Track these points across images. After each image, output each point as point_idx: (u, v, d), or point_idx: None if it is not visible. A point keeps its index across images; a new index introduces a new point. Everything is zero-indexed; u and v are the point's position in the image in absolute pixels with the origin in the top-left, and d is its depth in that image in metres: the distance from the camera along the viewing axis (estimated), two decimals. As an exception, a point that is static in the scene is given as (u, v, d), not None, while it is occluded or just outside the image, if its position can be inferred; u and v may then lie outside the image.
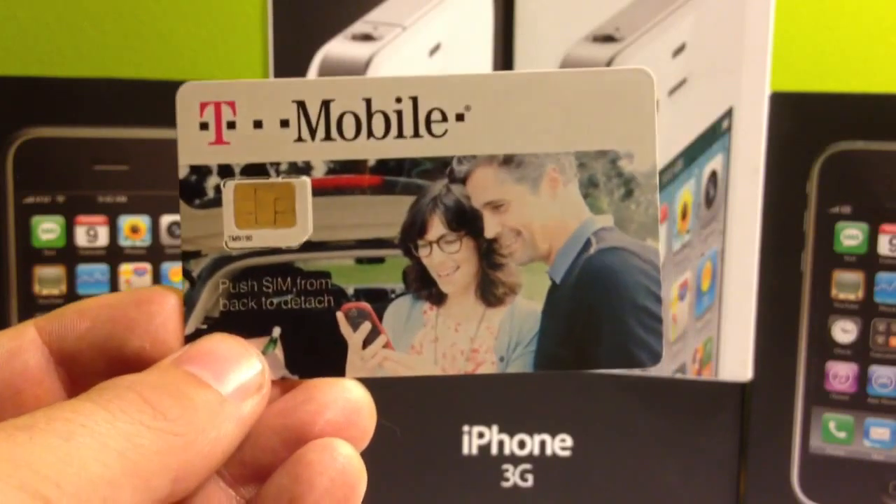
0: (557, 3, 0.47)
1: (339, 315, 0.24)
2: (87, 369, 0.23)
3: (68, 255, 0.47)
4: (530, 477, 0.49)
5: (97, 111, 0.46)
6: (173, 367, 0.22)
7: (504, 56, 0.48)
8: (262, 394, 0.22)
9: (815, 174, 0.47)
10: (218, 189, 0.24)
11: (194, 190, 0.24)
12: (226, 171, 0.24)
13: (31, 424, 0.19)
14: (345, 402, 0.23)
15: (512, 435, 0.49)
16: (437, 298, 0.24)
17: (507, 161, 0.24)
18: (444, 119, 0.23)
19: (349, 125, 0.24)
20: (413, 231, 0.24)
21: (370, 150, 0.24)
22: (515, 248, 0.24)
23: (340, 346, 0.24)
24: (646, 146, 0.24)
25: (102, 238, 0.47)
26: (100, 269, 0.47)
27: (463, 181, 0.24)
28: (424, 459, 0.49)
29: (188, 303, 0.24)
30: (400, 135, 0.24)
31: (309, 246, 0.24)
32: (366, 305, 0.24)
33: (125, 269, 0.47)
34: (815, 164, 0.47)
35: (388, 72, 0.46)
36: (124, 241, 0.47)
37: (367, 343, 0.24)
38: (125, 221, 0.47)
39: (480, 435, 0.49)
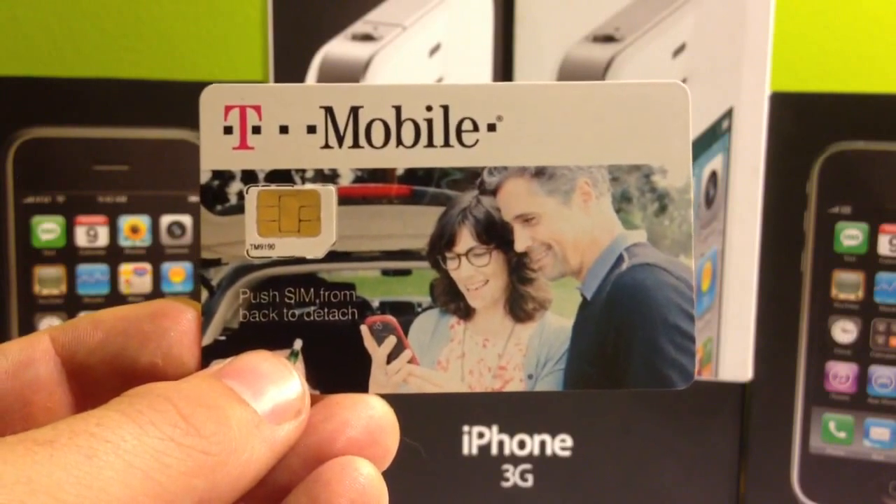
0: (557, 3, 0.47)
1: (364, 328, 0.23)
2: (99, 382, 0.22)
3: (68, 255, 0.47)
4: (530, 477, 0.49)
5: (97, 111, 0.46)
6: (212, 379, 0.21)
7: (504, 56, 0.48)
8: (300, 420, 0.21)
9: (815, 174, 0.47)
10: (241, 195, 0.23)
11: (216, 196, 0.23)
12: (249, 177, 0.23)
13: (52, 439, 0.18)
14: (368, 419, 0.22)
15: (512, 435, 0.49)
16: (465, 313, 0.23)
17: (539, 173, 0.23)
18: (476, 129, 0.23)
19: (378, 133, 0.23)
20: (441, 243, 0.23)
21: (399, 159, 0.23)
22: (546, 263, 0.23)
23: (364, 361, 0.23)
24: (680, 161, 0.23)
25: (102, 238, 0.47)
26: (100, 270, 0.47)
27: (493, 193, 0.23)
28: (424, 459, 0.49)
29: (206, 313, 0.23)
30: (430, 144, 0.23)
31: (333, 256, 0.23)
32: (391, 319, 0.23)
33: (125, 269, 0.47)
34: (815, 164, 0.46)
35: (389, 72, 0.46)
36: (124, 242, 0.47)
37: (391, 358, 0.23)
38: (125, 221, 0.47)
39: (480, 435, 0.49)
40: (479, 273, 0.23)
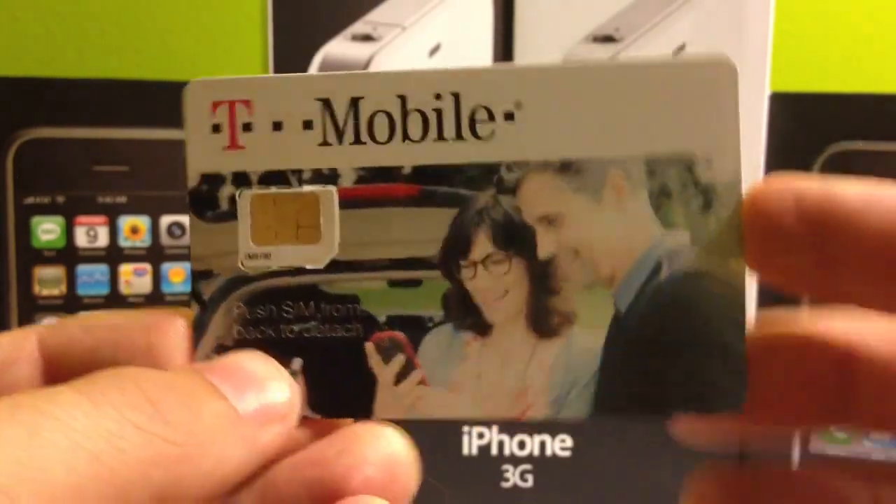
0: (557, 3, 0.47)
1: (369, 346, 0.21)
2: None
3: (68, 255, 0.46)
4: (530, 477, 0.49)
5: (97, 111, 0.46)
6: (192, 372, 0.19)
7: (504, 56, 0.48)
8: (286, 424, 0.19)
9: (815, 174, 0.47)
10: (233, 200, 0.21)
11: (206, 201, 0.21)
12: (241, 180, 0.21)
13: None
14: (386, 456, 0.20)
15: (512, 435, 0.49)
16: (482, 328, 0.20)
17: (565, 167, 0.20)
18: (491, 118, 0.20)
19: (381, 126, 0.20)
20: (455, 249, 0.20)
21: (406, 156, 0.20)
22: (573, 271, 0.20)
23: (369, 382, 0.21)
24: (727, 150, 0.19)
25: (102, 238, 0.47)
26: (100, 270, 0.47)
27: (513, 191, 0.20)
28: (424, 459, 0.49)
29: (198, 329, 0.21)
30: (440, 137, 0.20)
31: (335, 266, 0.21)
32: (399, 335, 0.21)
33: (125, 269, 0.47)
34: (814, 164, 0.46)
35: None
36: (124, 242, 0.47)
37: (399, 378, 0.21)
38: (125, 222, 0.47)
39: (480, 435, 0.49)
40: (497, 283, 0.20)
